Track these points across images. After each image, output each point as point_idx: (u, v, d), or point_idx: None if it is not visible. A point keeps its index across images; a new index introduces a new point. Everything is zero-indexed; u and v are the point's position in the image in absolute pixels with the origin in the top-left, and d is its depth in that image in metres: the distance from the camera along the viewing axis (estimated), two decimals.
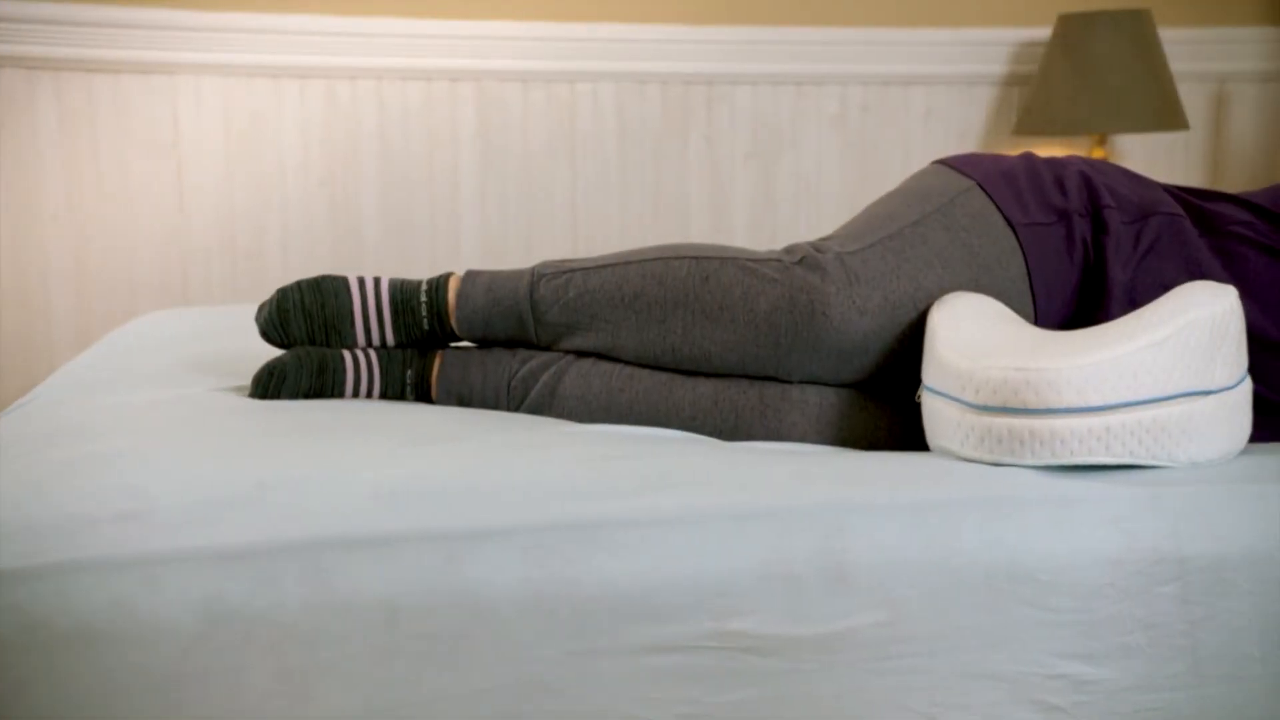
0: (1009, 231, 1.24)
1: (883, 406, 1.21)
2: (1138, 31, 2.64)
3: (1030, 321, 1.23)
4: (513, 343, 1.32)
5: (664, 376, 1.24)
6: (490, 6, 2.67)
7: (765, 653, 0.86)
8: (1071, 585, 0.91)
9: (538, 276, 1.28)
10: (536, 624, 0.82)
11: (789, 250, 1.23)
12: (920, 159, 2.79)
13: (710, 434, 1.20)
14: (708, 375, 1.24)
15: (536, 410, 1.25)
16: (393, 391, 1.29)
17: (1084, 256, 1.25)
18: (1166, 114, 2.67)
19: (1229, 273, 1.26)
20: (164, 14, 2.48)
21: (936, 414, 1.06)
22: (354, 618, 0.79)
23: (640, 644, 0.84)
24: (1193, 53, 2.92)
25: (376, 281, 1.33)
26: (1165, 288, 1.25)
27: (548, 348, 1.30)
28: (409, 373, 1.30)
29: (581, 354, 1.29)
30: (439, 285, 1.32)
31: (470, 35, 2.66)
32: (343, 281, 1.32)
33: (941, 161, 1.36)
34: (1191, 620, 0.93)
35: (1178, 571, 0.93)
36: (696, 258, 1.23)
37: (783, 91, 2.85)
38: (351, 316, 1.30)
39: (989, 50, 2.89)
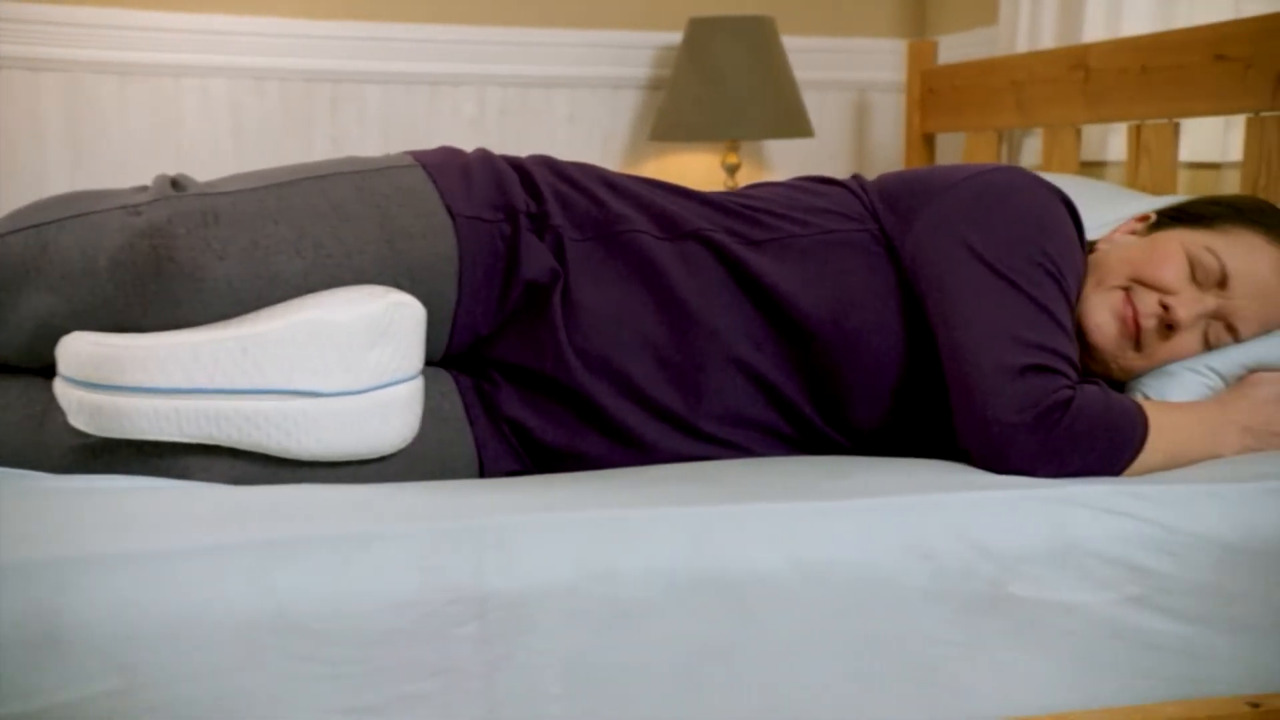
0: (446, 215, 1.19)
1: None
2: (759, 39, 2.67)
3: (453, 306, 1.19)
4: None
5: (39, 407, 1.11)
6: None
7: None
8: (351, 633, 0.84)
9: None
10: None
11: (154, 185, 1.12)
12: None
13: None
14: None
15: None
16: None
17: (518, 259, 1.20)
18: (790, 121, 2.71)
19: (694, 279, 1.24)
20: None
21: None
22: None
23: None
24: (831, 61, 2.99)
25: None
26: (614, 300, 1.22)
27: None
28: None
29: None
30: None
31: (56, 22, 2.44)
32: None
33: (407, 153, 1.30)
34: (489, 661, 0.88)
35: (477, 610, 0.88)
36: (36, 225, 1.10)
37: (416, 91, 2.75)
38: None
39: (630, 54, 2.87)
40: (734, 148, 2.79)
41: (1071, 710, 1.00)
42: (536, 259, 1.21)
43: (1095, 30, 2.26)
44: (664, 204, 1.28)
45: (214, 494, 0.96)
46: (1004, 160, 2.57)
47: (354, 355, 1.06)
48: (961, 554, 0.98)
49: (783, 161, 3.00)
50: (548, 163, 1.31)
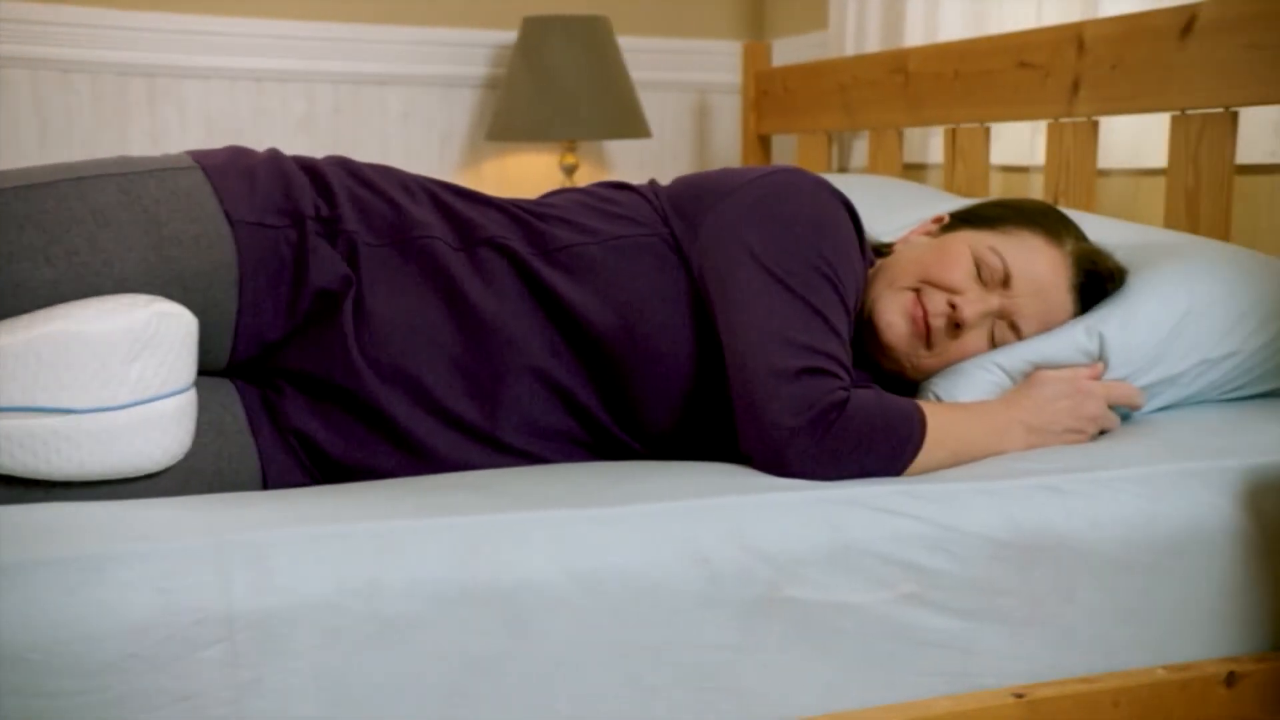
0: (224, 221, 1.13)
1: None
2: (594, 38, 2.66)
3: (234, 315, 1.13)
4: None
5: None
6: None
7: None
8: (78, 662, 0.79)
9: None
10: None
11: None
12: (400, 164, 2.67)
13: None
14: None
15: None
16: None
17: (306, 267, 1.16)
18: (626, 122, 2.70)
19: (489, 288, 1.21)
20: None
21: None
22: None
23: None
24: (672, 62, 3.00)
25: None
26: (409, 308, 1.19)
27: None
28: None
29: None
30: None
31: None
32: None
33: (188, 153, 1.24)
34: (238, 685, 0.84)
35: (225, 631, 0.84)
36: None
37: (240, 88, 2.65)
38: None
39: (466, 52, 2.83)
40: (572, 148, 2.77)
41: (847, 710, 1.00)
42: (327, 266, 1.17)
43: (915, 35, 2.32)
44: (461, 210, 1.25)
45: None
46: (834, 162, 2.62)
47: (111, 369, 1.00)
48: (739, 558, 0.98)
49: (623, 162, 3.00)
50: (344, 165, 1.27)
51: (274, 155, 1.24)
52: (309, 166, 1.24)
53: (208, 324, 1.14)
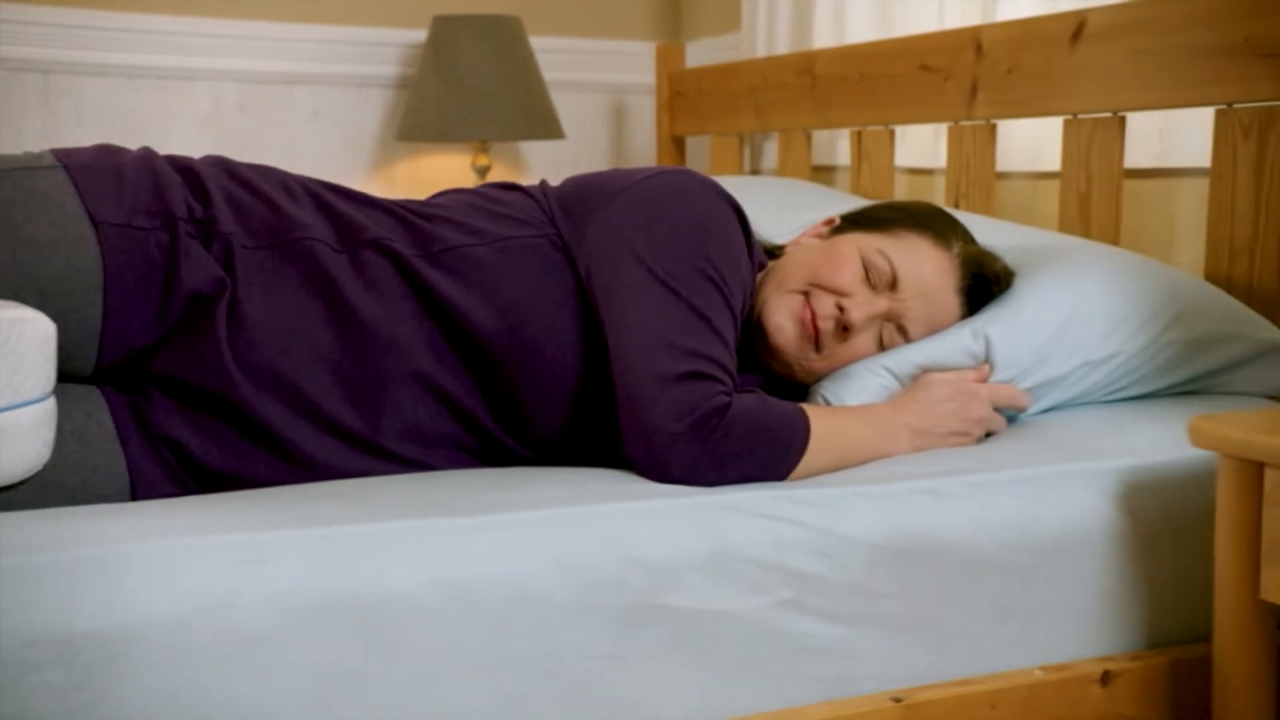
0: (87, 223, 1.09)
1: None
2: (505, 38, 2.63)
3: (98, 321, 1.10)
4: None
5: None
6: None
7: None
8: None
9: None
10: None
11: None
12: (310, 164, 2.63)
13: None
14: None
15: None
16: None
17: (177, 270, 1.12)
18: (539, 122, 2.67)
19: (371, 291, 1.18)
20: None
21: None
22: None
23: None
24: (587, 63, 2.98)
25: None
26: (286, 312, 1.15)
27: None
28: None
29: None
30: None
31: None
32: None
33: (52, 151, 1.19)
34: (74, 709, 0.80)
35: (64, 653, 0.80)
36: None
37: (141, 86, 2.58)
38: None
39: (376, 51, 2.79)
40: (484, 149, 2.74)
41: (725, 719, 0.99)
42: (200, 269, 1.13)
43: (823, 38, 2.32)
44: (344, 211, 1.22)
45: None
46: (746, 164, 2.62)
47: None
48: (613, 566, 0.96)
49: (537, 163, 2.97)
50: (221, 164, 1.23)
51: (145, 154, 1.21)
52: (184, 166, 1.21)
53: (69, 330, 1.10)
